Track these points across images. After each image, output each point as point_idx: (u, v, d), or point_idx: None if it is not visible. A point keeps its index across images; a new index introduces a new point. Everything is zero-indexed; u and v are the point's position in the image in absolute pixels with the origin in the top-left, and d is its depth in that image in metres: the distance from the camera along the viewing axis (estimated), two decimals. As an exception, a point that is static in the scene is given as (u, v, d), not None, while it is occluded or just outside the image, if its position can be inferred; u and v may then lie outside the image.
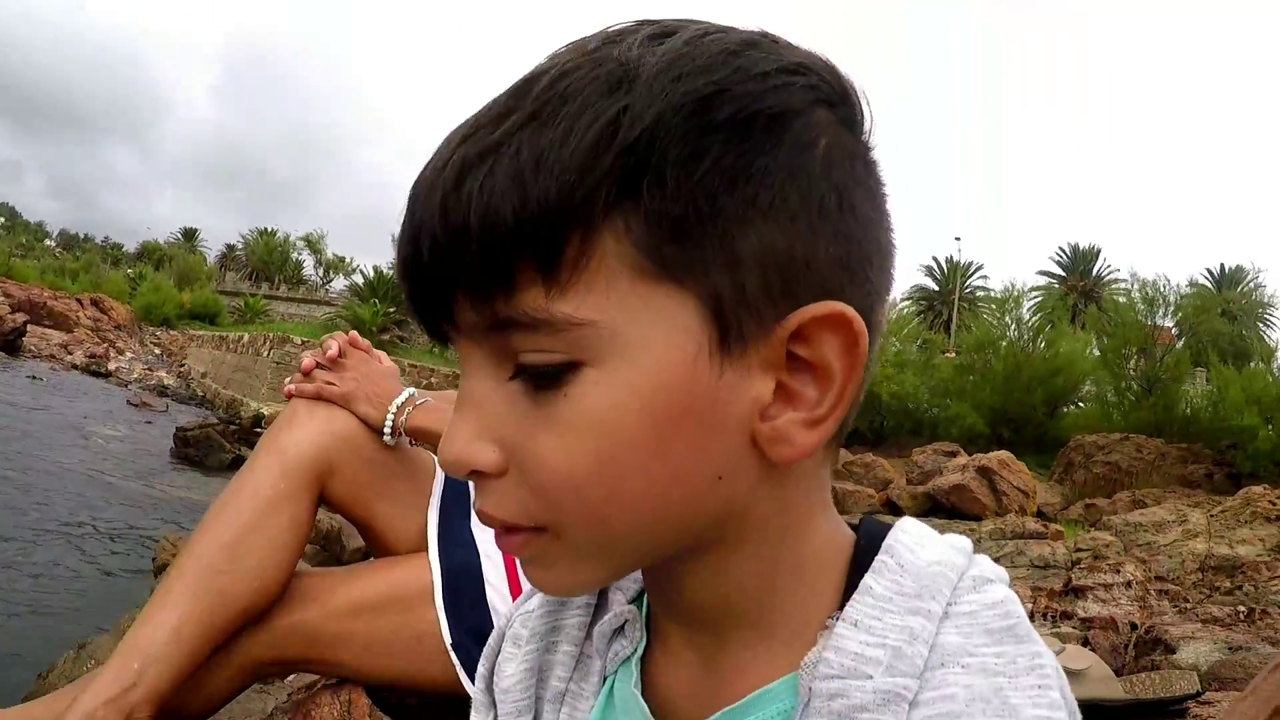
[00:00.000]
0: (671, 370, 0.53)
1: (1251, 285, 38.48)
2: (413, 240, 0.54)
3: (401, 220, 0.56)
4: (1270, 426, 15.16)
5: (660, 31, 0.55)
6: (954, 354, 24.79)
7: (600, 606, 0.73)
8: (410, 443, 1.79)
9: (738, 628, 0.63)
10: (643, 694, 0.68)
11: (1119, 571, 4.88)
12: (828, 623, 0.59)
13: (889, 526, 0.63)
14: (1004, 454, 11.96)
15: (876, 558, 0.60)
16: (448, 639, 1.63)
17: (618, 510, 0.55)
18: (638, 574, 0.71)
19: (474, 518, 1.60)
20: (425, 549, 1.73)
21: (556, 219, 0.50)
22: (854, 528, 0.65)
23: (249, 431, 15.35)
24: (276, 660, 1.63)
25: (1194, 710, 2.33)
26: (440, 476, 1.80)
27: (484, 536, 1.72)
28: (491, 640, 0.79)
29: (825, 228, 0.55)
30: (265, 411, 15.83)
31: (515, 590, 1.67)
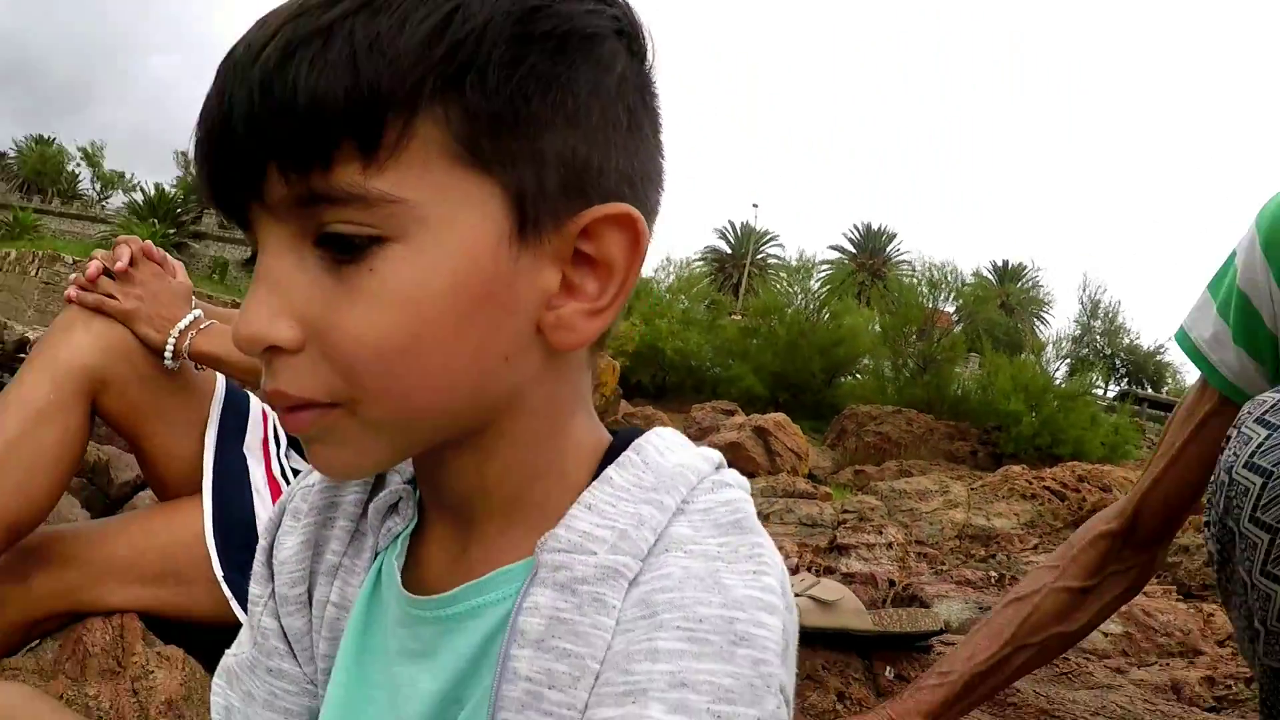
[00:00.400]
0: (474, 253, 0.58)
1: (1030, 283, 40.87)
2: (224, 115, 0.55)
3: (209, 95, 0.57)
4: (1034, 413, 15.83)
5: None
6: (740, 317, 25.03)
7: (377, 486, 0.76)
8: (196, 367, 1.76)
9: (493, 515, 0.68)
10: (404, 569, 0.72)
11: (881, 533, 4.90)
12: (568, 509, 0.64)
13: (644, 431, 0.69)
14: (780, 416, 12.02)
15: (624, 453, 0.66)
16: (219, 572, 1.65)
17: (418, 384, 0.59)
18: (407, 461, 0.73)
19: (248, 445, 1.76)
20: (197, 477, 1.73)
21: (384, 102, 0.54)
22: (614, 434, 0.71)
23: (12, 357, 13.63)
24: (47, 617, 1.61)
25: (938, 647, 2.47)
26: (219, 400, 1.80)
27: (256, 470, 1.76)
28: (273, 513, 0.81)
29: (618, 141, 0.62)
30: (31, 336, 14.14)
31: None
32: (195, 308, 1.71)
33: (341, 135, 0.54)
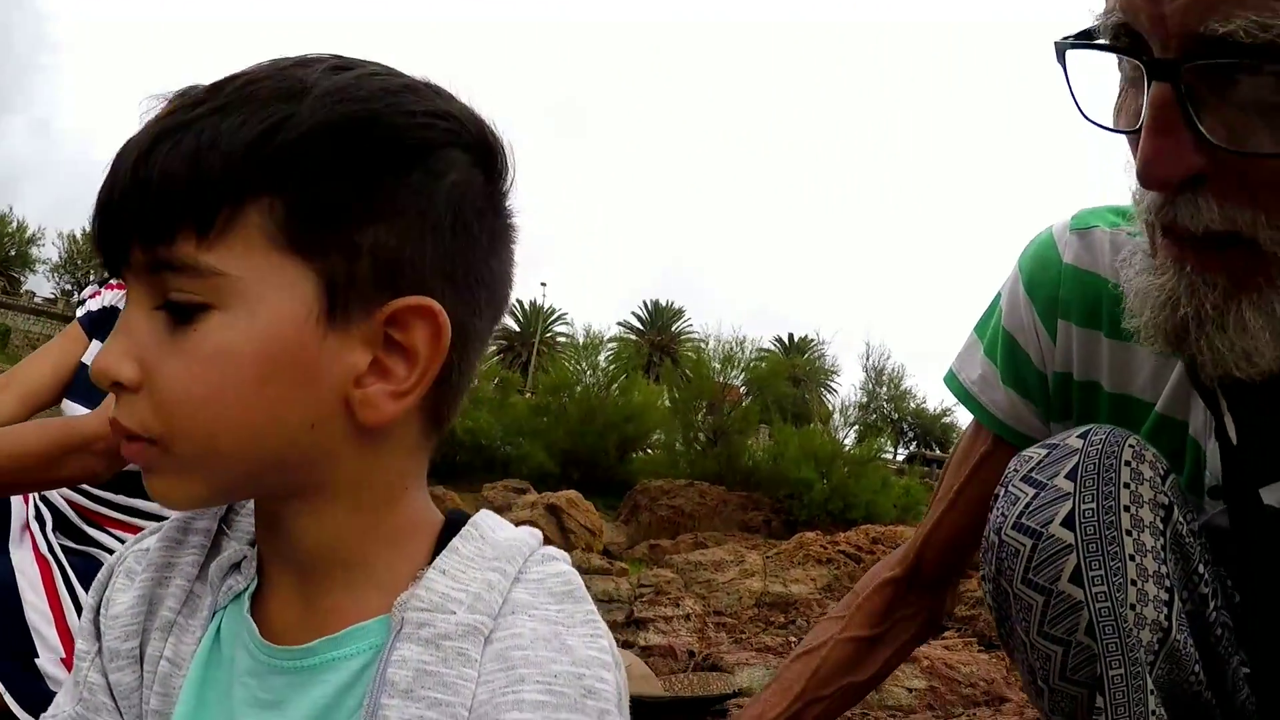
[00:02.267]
0: (282, 326, 0.65)
1: (817, 354, 42.81)
2: (109, 189, 0.66)
3: (106, 172, 0.67)
4: (825, 480, 16.38)
5: (343, 65, 0.70)
6: (530, 395, 25.35)
7: (214, 549, 0.80)
8: None
9: (335, 574, 0.73)
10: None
11: (679, 605, 5.09)
12: (419, 575, 0.71)
13: (471, 515, 0.78)
14: (572, 493, 12.63)
15: (464, 528, 0.75)
16: None
17: (220, 433, 0.66)
18: (250, 523, 0.80)
19: (11, 538, 1.78)
20: None
21: (217, 190, 0.63)
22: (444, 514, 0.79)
23: None
24: None
25: (733, 712, 2.50)
26: None
27: (21, 556, 1.76)
28: (101, 575, 0.84)
29: (436, 241, 0.69)
30: None
31: (54, 604, 1.72)
32: None
33: (182, 214, 0.64)
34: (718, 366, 21.07)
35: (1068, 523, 1.09)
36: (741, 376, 22.21)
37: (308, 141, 0.64)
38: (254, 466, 0.69)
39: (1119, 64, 0.99)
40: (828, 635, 1.52)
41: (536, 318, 58.00)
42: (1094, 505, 1.09)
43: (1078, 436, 1.15)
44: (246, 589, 0.77)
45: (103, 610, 0.82)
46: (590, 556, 8.87)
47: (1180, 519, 1.12)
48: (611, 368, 25.08)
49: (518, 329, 60.57)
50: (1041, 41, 1.03)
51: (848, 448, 18.50)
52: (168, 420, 0.66)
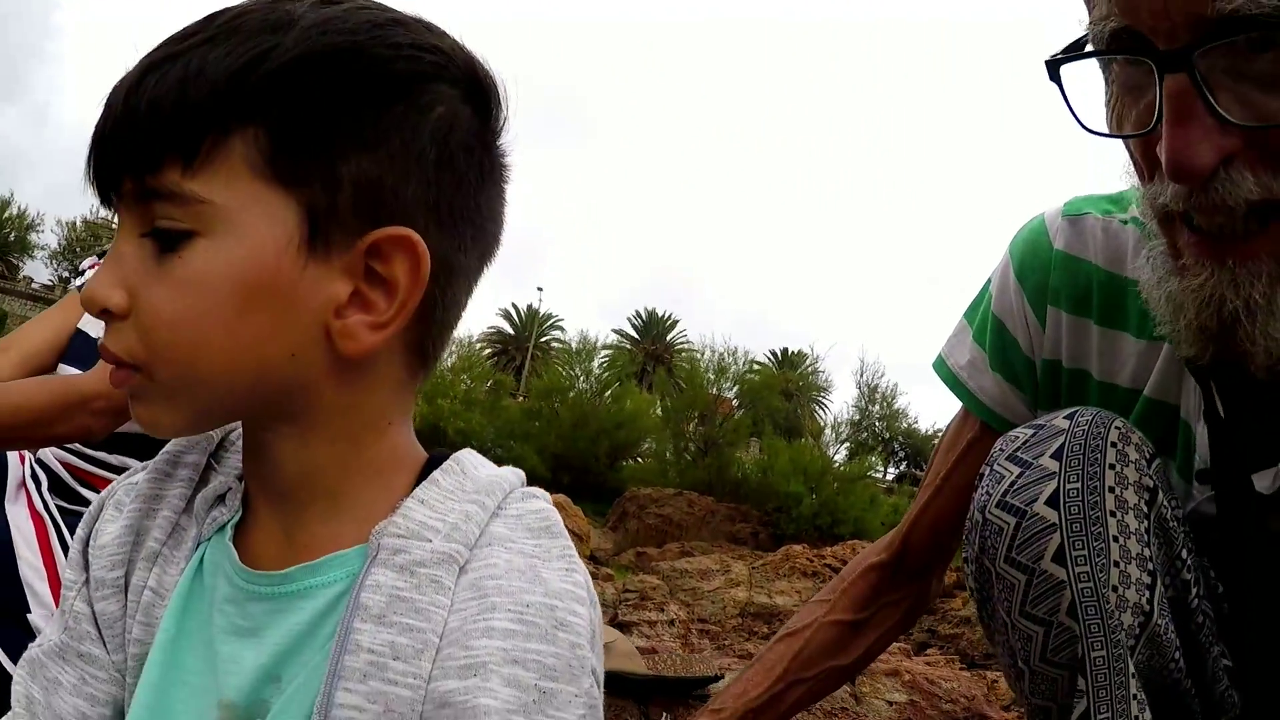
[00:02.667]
0: (264, 253, 0.67)
1: (810, 369, 42.68)
2: (102, 120, 0.68)
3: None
4: (814, 495, 16.36)
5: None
6: (523, 399, 25.25)
7: (202, 482, 0.82)
8: None
9: (316, 504, 0.74)
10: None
11: (663, 610, 5.12)
12: (397, 505, 0.73)
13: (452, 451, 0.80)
14: (561, 497, 12.32)
15: (446, 463, 0.77)
16: None
17: (201, 358, 0.68)
18: (239, 459, 0.81)
19: (7, 496, 1.78)
20: None
21: (202, 117, 0.65)
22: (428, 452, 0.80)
23: None
24: None
25: (715, 691, 2.45)
26: None
27: (16, 512, 1.78)
28: (91, 508, 0.85)
29: (420, 174, 0.70)
30: None
31: (48, 561, 1.74)
32: None
33: (168, 142, 0.65)
34: (711, 377, 21.08)
35: (1052, 502, 1.08)
36: (734, 389, 22.20)
37: (291, 72, 0.65)
38: (235, 393, 0.70)
39: (1108, 72, 0.99)
40: (812, 618, 1.51)
41: (531, 322, 57.61)
42: (1079, 485, 1.08)
43: (1064, 417, 1.14)
44: (230, 520, 0.79)
45: (91, 541, 0.84)
46: (577, 561, 8.82)
47: (1165, 503, 1.11)
48: (605, 375, 25.09)
49: (512, 333, 60.30)
50: (1040, 47, 1.02)
51: (838, 464, 18.47)
52: (151, 345, 0.68)
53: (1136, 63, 0.92)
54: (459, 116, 0.72)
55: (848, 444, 20.62)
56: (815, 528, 15.44)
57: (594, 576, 7.44)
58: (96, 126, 0.68)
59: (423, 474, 0.76)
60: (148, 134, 0.65)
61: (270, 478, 0.76)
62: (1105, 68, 1.00)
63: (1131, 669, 1.05)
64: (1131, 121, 0.97)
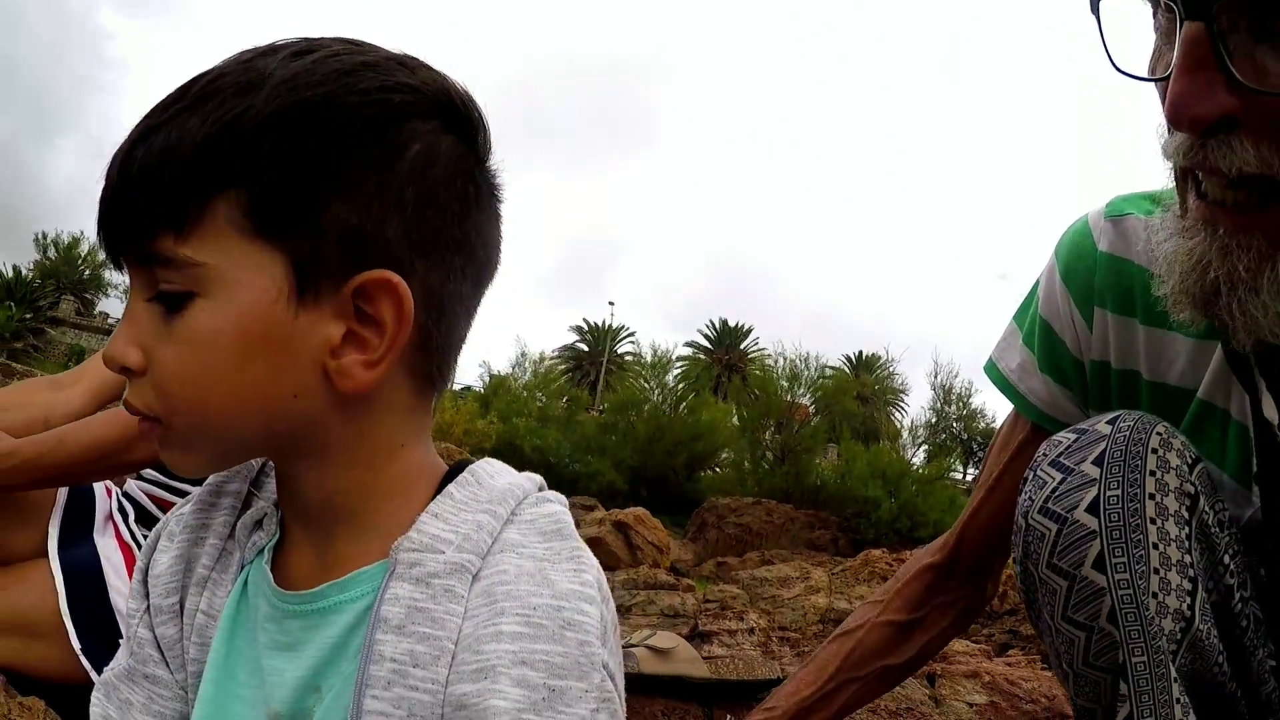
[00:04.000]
0: (257, 307, 0.70)
1: (885, 372, 42.11)
2: (103, 190, 0.71)
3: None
4: (893, 499, 16.16)
5: (304, 49, 0.72)
6: (599, 413, 25.12)
7: (244, 508, 0.88)
8: None
9: (341, 525, 0.79)
10: (273, 574, 0.82)
11: (743, 619, 4.87)
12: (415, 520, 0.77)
13: (474, 460, 0.83)
14: (640, 510, 12.21)
15: (461, 475, 0.80)
16: (76, 645, 1.72)
17: (211, 408, 0.72)
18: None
19: (96, 527, 1.89)
20: (42, 558, 1.81)
21: (185, 186, 0.68)
22: (449, 464, 0.84)
23: None
24: None
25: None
26: (64, 493, 1.89)
27: (105, 543, 1.87)
28: (149, 540, 0.91)
29: (399, 213, 0.72)
30: None
31: None
32: None
33: (157, 212, 0.69)
34: (785, 384, 20.85)
35: (1092, 509, 1.08)
36: (809, 395, 21.94)
37: (263, 133, 0.68)
38: (247, 436, 0.75)
39: (1154, 18, 0.98)
40: (865, 618, 1.52)
41: (604, 337, 57.88)
42: (1119, 492, 1.08)
43: (1106, 423, 1.14)
44: (268, 543, 0.83)
45: (149, 570, 0.89)
46: (657, 573, 8.81)
47: (1206, 508, 1.11)
48: (680, 387, 24.96)
49: (586, 349, 60.54)
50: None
51: (916, 466, 18.18)
52: (166, 399, 0.72)
53: (1168, 8, 0.91)
54: (437, 149, 0.74)
55: (925, 446, 20.24)
56: (895, 531, 15.26)
57: (674, 588, 7.45)
58: (100, 199, 0.72)
59: (441, 487, 0.79)
60: (139, 205, 0.69)
61: (298, 504, 0.81)
62: (1153, 15, 0.99)
63: (1174, 674, 1.05)
64: (1161, 69, 0.96)
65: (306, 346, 0.72)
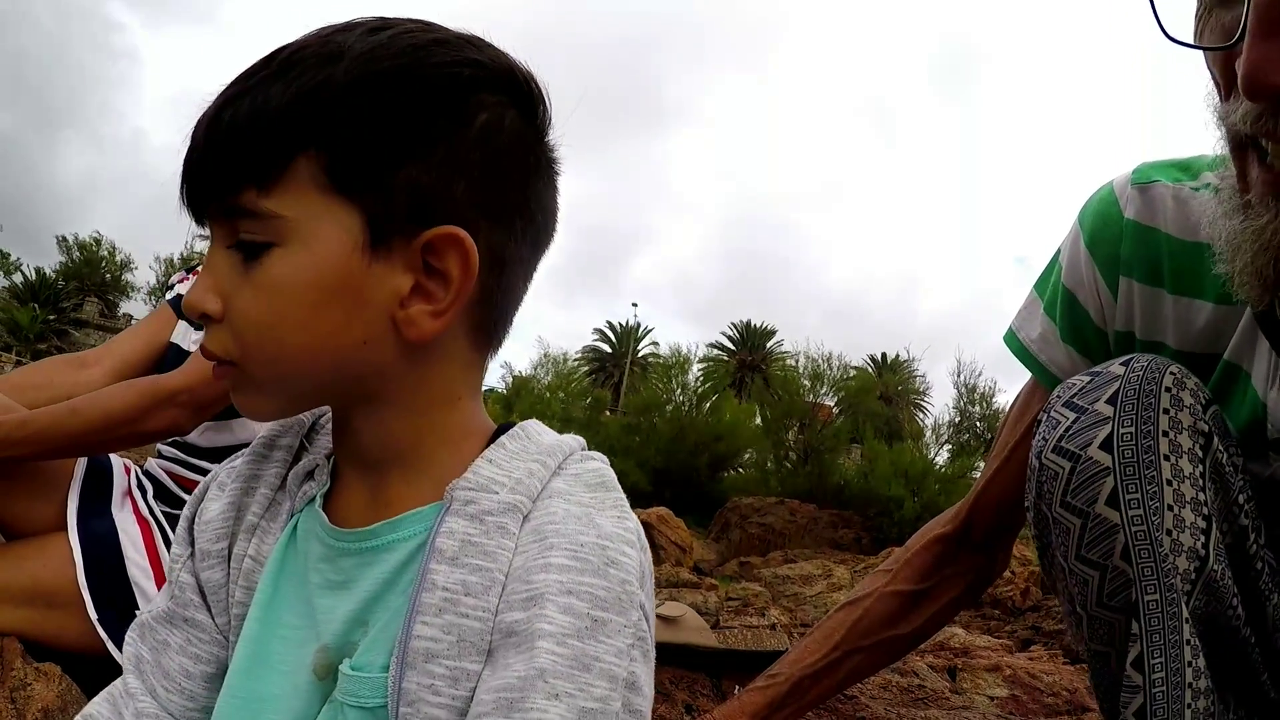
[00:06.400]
0: (333, 257, 0.76)
1: (908, 373, 41.95)
2: (190, 151, 0.78)
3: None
4: (916, 498, 16.05)
5: (380, 26, 0.79)
6: (622, 414, 25.10)
7: (295, 461, 0.93)
8: None
9: (396, 469, 0.85)
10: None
11: (764, 615, 5.07)
12: (469, 466, 0.82)
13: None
14: (663, 510, 12.32)
15: (512, 429, 0.86)
16: (94, 615, 1.77)
17: (285, 352, 0.78)
18: (328, 439, 0.92)
19: (114, 501, 1.95)
20: (60, 530, 1.87)
21: (270, 145, 0.75)
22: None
23: None
24: None
25: None
26: (82, 466, 1.95)
27: (123, 517, 1.93)
28: (198, 490, 0.97)
29: (466, 176, 0.78)
30: None
31: (154, 561, 1.88)
32: None
33: (244, 168, 0.75)
34: (807, 384, 20.76)
35: (1106, 446, 1.08)
36: (832, 395, 21.83)
37: (342, 99, 0.75)
38: (318, 380, 0.80)
39: None
40: (873, 588, 1.51)
41: (628, 338, 57.90)
42: (1132, 429, 1.07)
43: (1120, 364, 1.13)
44: (319, 492, 0.89)
45: (197, 518, 0.94)
46: (680, 572, 8.84)
47: (1220, 448, 1.09)
48: (704, 387, 24.84)
49: (609, 350, 60.53)
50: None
51: (939, 465, 18.08)
52: (243, 344, 0.78)
53: None
54: (502, 120, 0.80)
55: (949, 445, 20.09)
56: (917, 529, 15.04)
57: (697, 587, 7.48)
58: (185, 158, 0.78)
59: (491, 441, 0.85)
60: (226, 163, 0.76)
61: (355, 449, 0.86)
62: None
63: (1185, 614, 1.04)
64: (1217, 34, 0.92)
65: (377, 296, 0.77)
